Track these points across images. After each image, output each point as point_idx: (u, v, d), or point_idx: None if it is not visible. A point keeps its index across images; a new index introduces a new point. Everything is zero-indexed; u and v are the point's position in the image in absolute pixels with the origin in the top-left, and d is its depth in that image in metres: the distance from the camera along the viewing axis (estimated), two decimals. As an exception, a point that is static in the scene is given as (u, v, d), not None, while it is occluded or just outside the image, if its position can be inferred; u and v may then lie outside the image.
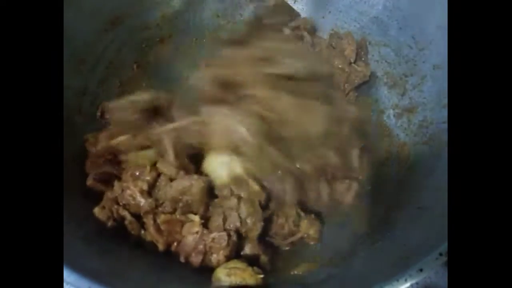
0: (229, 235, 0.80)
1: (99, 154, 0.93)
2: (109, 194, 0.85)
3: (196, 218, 0.82)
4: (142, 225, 0.84)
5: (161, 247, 0.81)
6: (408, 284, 0.58)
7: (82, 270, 0.61)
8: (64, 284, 0.59)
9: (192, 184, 0.82)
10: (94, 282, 0.60)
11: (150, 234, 0.82)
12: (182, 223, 0.83)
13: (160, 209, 0.83)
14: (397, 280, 0.59)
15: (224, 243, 0.78)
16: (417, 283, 0.59)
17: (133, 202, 0.83)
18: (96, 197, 0.87)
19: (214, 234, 0.79)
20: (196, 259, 0.80)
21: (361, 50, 1.14)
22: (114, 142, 0.90)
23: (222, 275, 0.75)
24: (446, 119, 0.92)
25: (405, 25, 1.07)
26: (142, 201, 0.82)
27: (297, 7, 1.24)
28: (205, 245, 0.80)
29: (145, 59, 1.17)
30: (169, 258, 0.83)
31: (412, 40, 1.05)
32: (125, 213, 0.83)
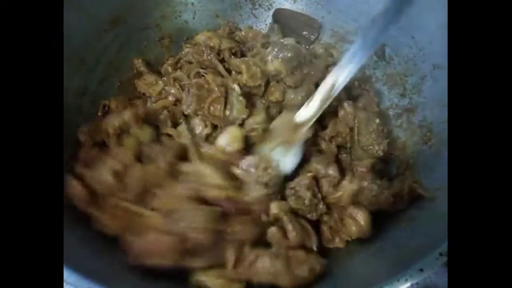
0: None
1: (93, 143, 0.93)
2: (87, 172, 0.83)
3: (149, 213, 0.77)
4: (101, 208, 0.81)
5: (110, 231, 0.77)
6: (408, 284, 0.59)
7: (82, 271, 0.61)
8: (65, 285, 0.59)
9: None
10: (94, 283, 0.60)
11: (104, 216, 0.78)
12: (139, 217, 0.79)
13: (121, 195, 0.80)
14: (398, 280, 0.59)
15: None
16: (417, 283, 0.59)
17: (99, 178, 0.81)
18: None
19: None
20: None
21: (378, 50, 1.14)
22: (121, 117, 0.90)
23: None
24: (446, 119, 0.92)
25: (405, 25, 1.06)
26: (108, 178, 0.80)
27: (297, 7, 1.24)
28: None
29: (145, 59, 1.17)
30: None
31: (412, 39, 1.05)
32: (80, 187, 0.80)
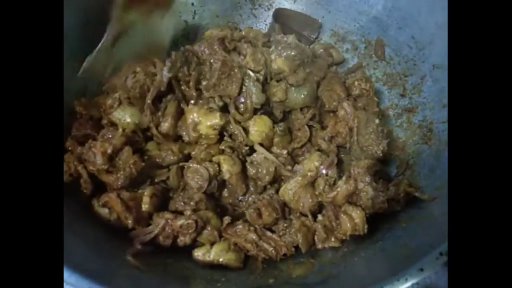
0: (196, 222, 0.82)
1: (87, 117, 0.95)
2: (77, 150, 0.86)
3: (146, 199, 0.84)
4: (105, 205, 0.84)
5: (131, 224, 0.82)
6: (409, 284, 0.58)
7: (82, 271, 0.61)
8: (65, 285, 0.59)
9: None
10: (94, 283, 0.60)
11: (117, 211, 0.82)
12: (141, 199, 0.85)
13: (117, 181, 0.83)
14: (398, 280, 0.59)
15: (193, 229, 0.82)
16: (417, 283, 0.59)
17: (92, 160, 0.83)
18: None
19: (182, 221, 0.82)
20: (166, 242, 0.83)
21: (378, 50, 1.15)
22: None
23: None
24: (445, 118, 0.92)
25: (404, 25, 1.07)
26: (99, 159, 0.82)
27: (296, 7, 1.24)
28: (172, 230, 0.82)
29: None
30: (169, 258, 0.83)
31: (412, 40, 1.05)
32: (83, 171, 0.84)
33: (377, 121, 0.96)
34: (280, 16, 1.24)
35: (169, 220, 0.82)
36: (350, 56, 1.20)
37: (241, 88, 0.95)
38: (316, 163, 0.91)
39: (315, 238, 0.87)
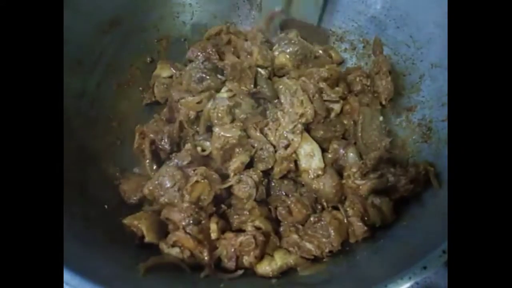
0: (254, 237, 0.80)
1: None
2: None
3: (213, 226, 0.82)
4: (175, 244, 0.81)
5: (207, 257, 0.79)
6: (412, 282, 0.58)
7: (85, 273, 0.60)
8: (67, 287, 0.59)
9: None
10: (97, 285, 0.60)
11: (189, 248, 0.80)
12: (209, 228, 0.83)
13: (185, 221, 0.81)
14: (401, 278, 0.58)
15: (253, 246, 0.79)
16: (417, 283, 0.58)
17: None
18: (95, 198, 0.86)
19: (241, 239, 0.80)
20: (230, 264, 0.80)
21: (376, 49, 1.15)
22: None
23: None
24: (444, 117, 0.93)
25: (402, 24, 1.07)
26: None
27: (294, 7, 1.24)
28: (235, 249, 0.80)
29: (143, 61, 1.17)
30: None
31: (410, 39, 1.05)
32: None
33: (381, 118, 0.96)
34: (289, 27, 1.22)
35: (231, 240, 0.80)
36: (349, 56, 1.21)
37: (255, 85, 0.96)
38: (335, 145, 0.92)
39: (349, 232, 0.83)
